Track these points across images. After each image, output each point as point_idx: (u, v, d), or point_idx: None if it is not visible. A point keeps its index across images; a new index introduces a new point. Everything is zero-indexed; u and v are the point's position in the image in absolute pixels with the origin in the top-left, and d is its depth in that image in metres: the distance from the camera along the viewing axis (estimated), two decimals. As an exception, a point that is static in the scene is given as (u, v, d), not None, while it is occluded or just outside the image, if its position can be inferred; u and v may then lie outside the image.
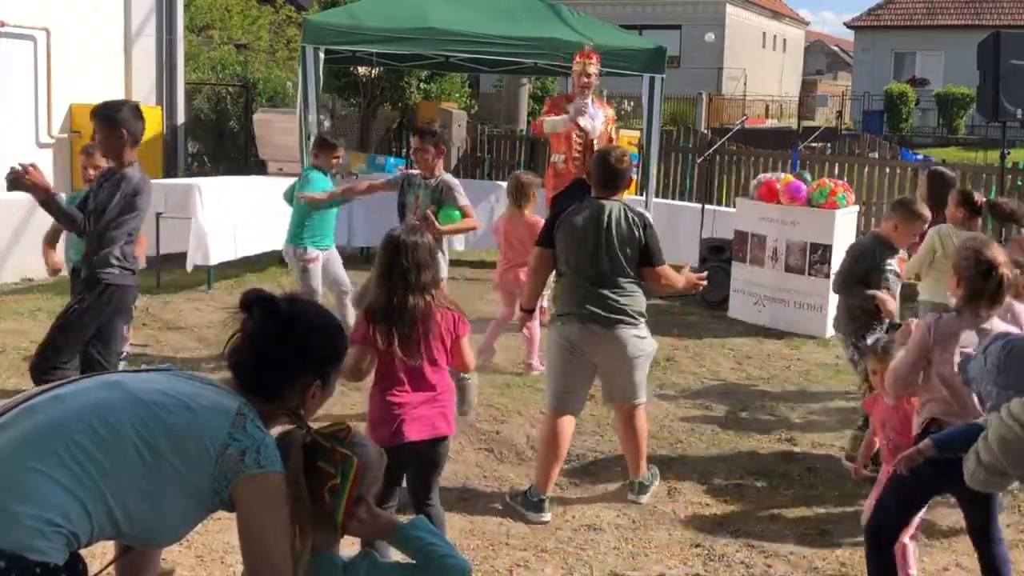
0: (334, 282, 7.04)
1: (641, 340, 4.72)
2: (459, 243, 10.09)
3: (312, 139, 8.98)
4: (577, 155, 7.86)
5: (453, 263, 8.39)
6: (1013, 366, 2.73)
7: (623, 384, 4.78)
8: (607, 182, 4.80)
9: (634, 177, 11.49)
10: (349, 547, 2.69)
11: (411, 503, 3.96)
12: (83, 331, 4.91)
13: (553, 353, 4.82)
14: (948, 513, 4.92)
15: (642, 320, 4.74)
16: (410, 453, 3.76)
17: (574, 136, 7.89)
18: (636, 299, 4.71)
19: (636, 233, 4.66)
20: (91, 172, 5.88)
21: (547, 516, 4.69)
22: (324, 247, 6.96)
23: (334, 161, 7.08)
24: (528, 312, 5.32)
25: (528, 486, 4.81)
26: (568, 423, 4.80)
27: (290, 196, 7.11)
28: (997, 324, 3.70)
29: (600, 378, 4.89)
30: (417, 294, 3.71)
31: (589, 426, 5.96)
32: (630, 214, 4.70)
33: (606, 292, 4.64)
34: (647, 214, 4.90)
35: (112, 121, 4.80)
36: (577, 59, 7.98)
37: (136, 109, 4.96)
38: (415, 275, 3.71)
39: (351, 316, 6.58)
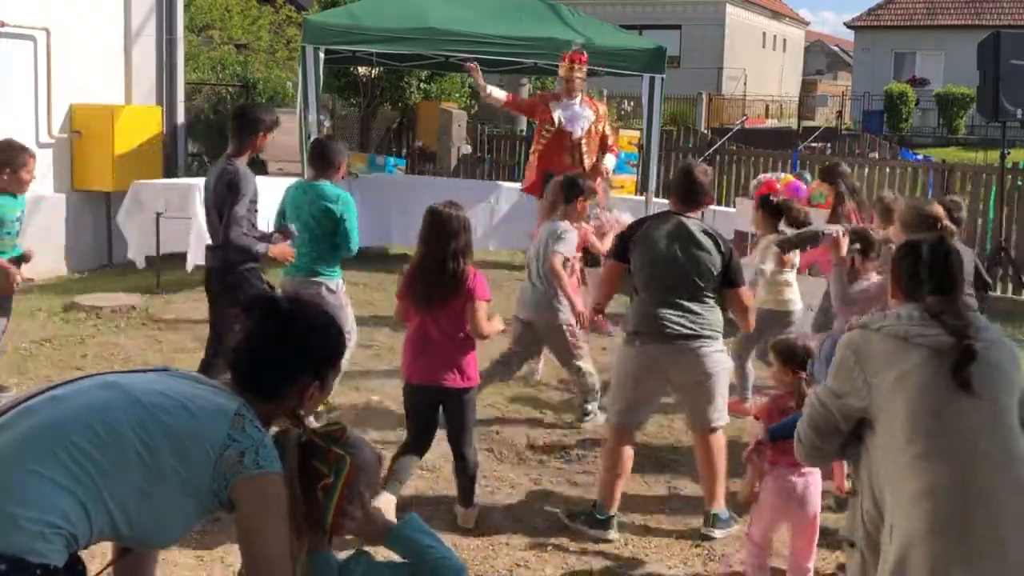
0: None
1: (721, 355, 4.60)
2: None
3: (311, 139, 8.99)
4: (541, 146, 8.01)
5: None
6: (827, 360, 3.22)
7: (705, 405, 4.58)
8: (689, 197, 4.63)
9: (635, 176, 11.50)
10: (349, 547, 2.69)
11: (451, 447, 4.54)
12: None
13: (628, 368, 4.62)
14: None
15: (720, 337, 4.61)
16: (423, 396, 4.45)
17: (543, 131, 8.04)
18: (716, 315, 4.58)
19: (721, 250, 4.52)
20: None
21: (614, 534, 4.55)
22: None
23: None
24: (598, 312, 5.41)
25: (593, 504, 4.67)
26: (631, 439, 4.71)
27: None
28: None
29: (680, 399, 4.82)
30: (450, 258, 4.29)
31: (589, 426, 5.96)
32: (711, 231, 4.57)
33: (690, 308, 4.49)
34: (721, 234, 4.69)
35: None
36: (564, 63, 8.03)
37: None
38: (449, 241, 4.30)
39: None
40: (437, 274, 4.31)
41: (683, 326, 4.47)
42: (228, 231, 5.11)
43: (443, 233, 4.32)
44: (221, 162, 5.41)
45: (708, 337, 4.52)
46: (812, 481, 3.98)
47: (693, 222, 4.57)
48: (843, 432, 2.86)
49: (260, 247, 5.25)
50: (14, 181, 5.66)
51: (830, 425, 2.87)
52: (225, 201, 5.14)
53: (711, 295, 4.57)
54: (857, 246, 5.00)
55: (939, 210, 4.72)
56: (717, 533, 4.58)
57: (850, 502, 3.02)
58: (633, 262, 4.59)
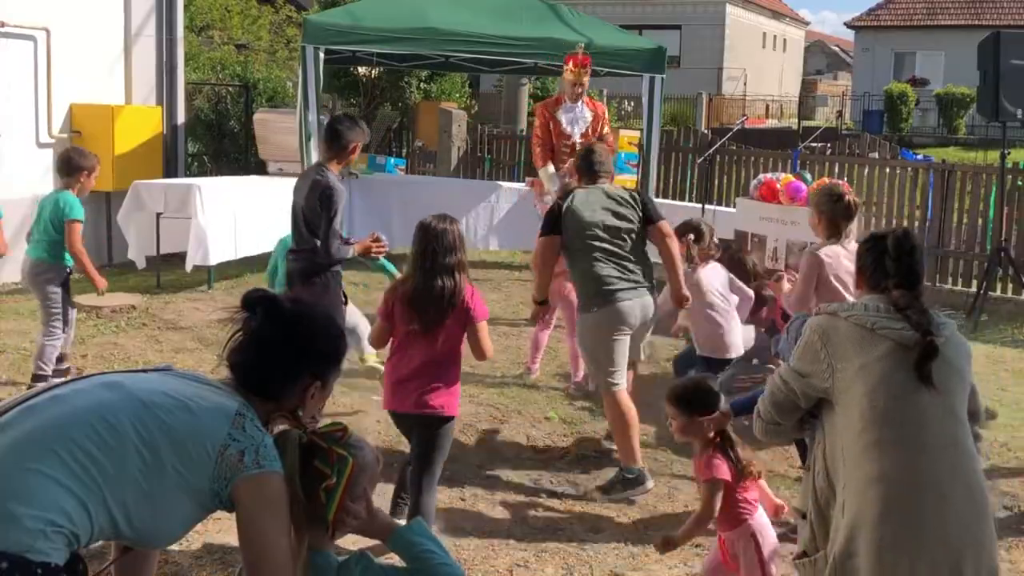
0: None
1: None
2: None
3: (312, 139, 8.98)
4: (563, 162, 7.95)
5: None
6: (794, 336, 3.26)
7: (635, 346, 5.17)
8: (591, 170, 5.28)
9: (635, 176, 11.50)
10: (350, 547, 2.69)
11: (409, 477, 4.21)
12: None
13: (602, 335, 4.99)
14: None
15: (653, 286, 5.18)
16: (401, 423, 4.21)
17: (560, 145, 7.96)
18: (648, 265, 5.14)
19: (635, 201, 5.12)
20: None
21: (651, 483, 4.95)
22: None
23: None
24: (541, 304, 5.42)
25: (618, 471, 5.01)
26: (627, 394, 5.08)
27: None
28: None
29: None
30: (446, 276, 4.03)
31: (588, 426, 5.96)
32: (623, 190, 5.26)
33: (625, 262, 5.00)
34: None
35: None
36: (571, 67, 7.97)
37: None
38: (444, 258, 4.03)
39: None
40: (431, 294, 4.02)
41: (625, 280, 4.98)
42: (329, 245, 5.21)
43: (437, 249, 4.04)
44: (313, 171, 5.40)
45: (646, 287, 5.08)
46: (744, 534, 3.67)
47: (608, 186, 5.25)
48: (802, 409, 2.97)
49: (350, 251, 5.34)
50: (86, 186, 6.14)
51: (790, 402, 2.97)
52: (318, 214, 5.19)
53: (643, 244, 5.14)
54: (691, 236, 5.63)
55: (845, 187, 5.06)
56: (604, 498, 4.94)
57: (804, 476, 3.09)
58: (566, 232, 5.04)
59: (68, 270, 6.16)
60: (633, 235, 5.08)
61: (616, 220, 5.06)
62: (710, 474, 3.57)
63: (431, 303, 4.02)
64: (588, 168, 5.32)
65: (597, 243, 4.99)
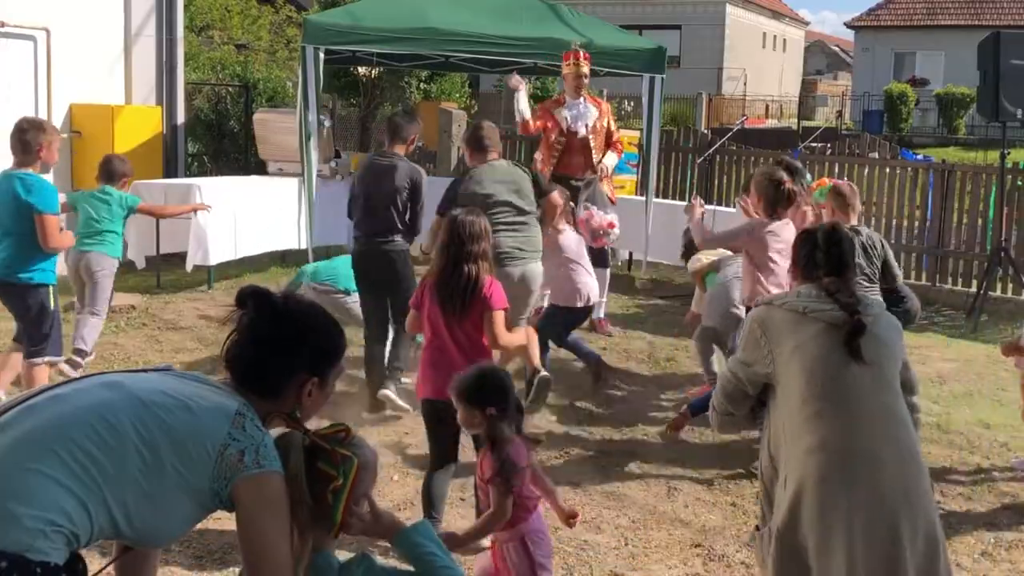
0: None
1: (539, 268, 5.91)
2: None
3: (312, 139, 8.98)
4: (555, 156, 7.91)
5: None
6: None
7: (521, 309, 5.70)
8: (479, 146, 5.85)
9: (635, 176, 11.48)
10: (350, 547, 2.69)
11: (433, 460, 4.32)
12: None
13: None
14: (949, 513, 4.92)
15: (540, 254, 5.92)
16: (430, 410, 4.23)
17: (553, 138, 7.92)
18: (537, 233, 5.92)
19: (525, 170, 6.02)
20: None
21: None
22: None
23: None
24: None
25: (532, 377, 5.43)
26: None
27: None
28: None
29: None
30: (470, 264, 4.19)
31: (587, 426, 5.96)
32: (508, 163, 6.01)
33: (518, 231, 5.75)
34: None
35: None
36: (570, 61, 7.96)
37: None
38: (470, 248, 4.21)
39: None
40: (456, 282, 4.18)
41: (516, 248, 5.67)
42: (418, 224, 5.99)
43: (463, 240, 4.20)
44: (387, 158, 6.04)
45: (534, 252, 5.77)
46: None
47: (498, 162, 5.89)
48: (751, 397, 3.23)
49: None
50: (124, 190, 6.97)
51: (739, 392, 3.23)
52: (412, 196, 5.94)
53: (532, 216, 5.82)
54: (571, 204, 6.37)
55: (782, 174, 5.36)
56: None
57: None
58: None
59: (119, 261, 6.84)
60: (524, 206, 5.77)
61: (509, 194, 5.72)
62: (490, 473, 3.34)
63: (456, 291, 4.17)
64: (478, 145, 5.85)
65: (491, 215, 5.13)
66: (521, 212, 5.77)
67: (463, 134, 6.20)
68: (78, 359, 6.30)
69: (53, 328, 5.46)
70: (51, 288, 5.44)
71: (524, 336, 4.96)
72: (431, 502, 4.23)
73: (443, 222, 4.45)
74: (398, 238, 6.00)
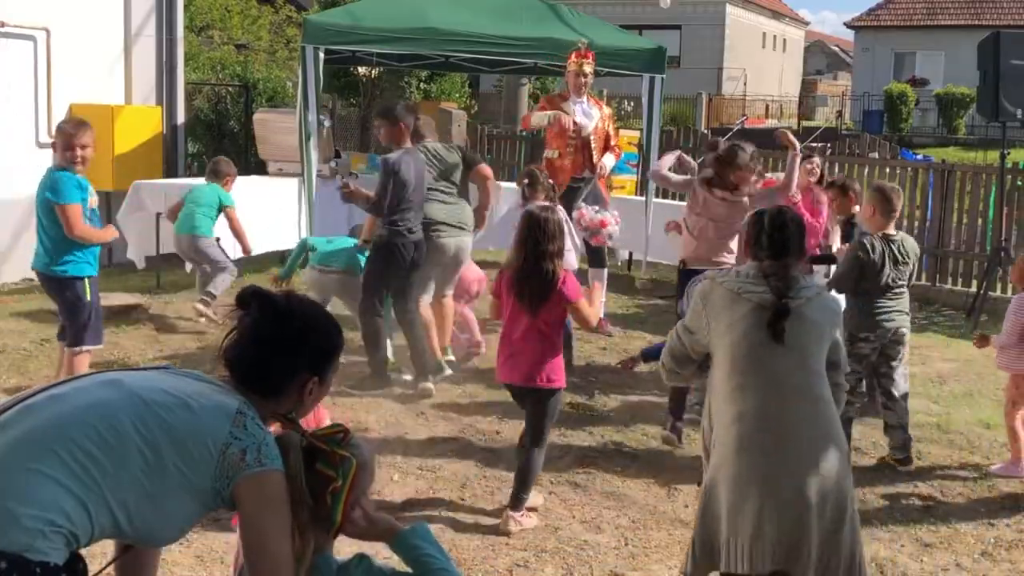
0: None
1: (466, 241, 6.77)
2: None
3: (312, 139, 8.98)
4: (570, 151, 7.83)
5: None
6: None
7: (444, 283, 6.73)
8: (417, 132, 6.62)
9: (635, 176, 11.48)
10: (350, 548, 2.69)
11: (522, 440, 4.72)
12: (377, 282, 6.41)
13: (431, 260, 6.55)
14: (949, 513, 4.92)
15: (469, 229, 6.76)
16: (515, 394, 4.71)
17: (568, 133, 7.87)
18: (466, 209, 6.75)
19: (460, 151, 6.81)
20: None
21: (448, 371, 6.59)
22: None
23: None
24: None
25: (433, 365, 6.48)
26: (428, 309, 6.62)
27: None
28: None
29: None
30: (547, 259, 4.48)
31: (587, 426, 5.96)
32: (452, 144, 6.88)
33: (444, 207, 6.60)
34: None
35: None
36: (573, 59, 7.95)
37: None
38: (546, 243, 4.48)
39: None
40: (534, 275, 4.48)
41: (444, 223, 6.51)
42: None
43: (540, 236, 4.48)
44: (411, 148, 6.44)
45: (458, 227, 6.60)
46: None
47: (438, 143, 6.73)
48: (694, 361, 3.49)
49: None
50: (228, 188, 8.34)
51: (684, 355, 3.51)
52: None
53: (456, 187, 6.62)
54: (526, 181, 6.45)
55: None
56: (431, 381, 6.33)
57: None
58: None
59: (218, 238, 8.23)
60: (456, 181, 6.61)
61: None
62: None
63: (532, 284, 4.49)
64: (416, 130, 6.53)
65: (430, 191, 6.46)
66: (455, 185, 6.66)
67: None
68: (207, 300, 7.74)
69: (92, 318, 5.64)
70: (87, 280, 5.60)
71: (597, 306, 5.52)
72: (524, 480, 4.56)
73: (521, 216, 4.73)
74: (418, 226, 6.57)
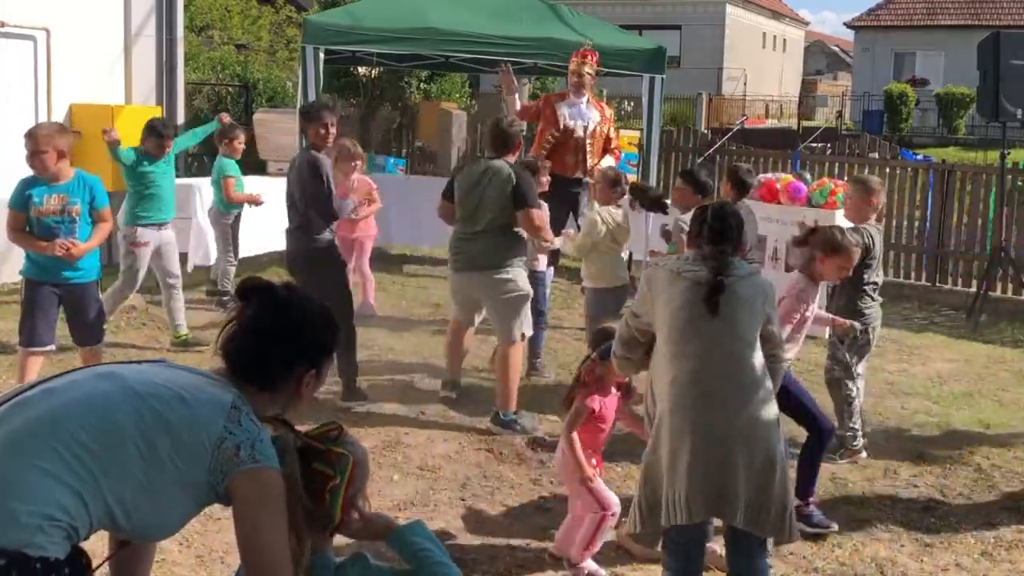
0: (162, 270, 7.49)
1: (511, 281, 5.74)
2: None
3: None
4: (545, 151, 7.86)
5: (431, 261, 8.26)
6: None
7: (500, 323, 5.83)
8: (500, 144, 5.83)
9: (635, 177, 11.47)
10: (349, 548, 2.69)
11: None
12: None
13: (451, 288, 6.16)
14: (949, 513, 4.92)
15: (515, 264, 5.77)
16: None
17: (547, 135, 7.91)
18: (509, 242, 5.74)
19: (513, 181, 5.64)
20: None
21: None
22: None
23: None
24: None
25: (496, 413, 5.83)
26: (464, 331, 6.29)
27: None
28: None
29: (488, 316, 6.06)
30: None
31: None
32: (511, 168, 5.72)
33: (480, 237, 5.73)
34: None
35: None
36: (573, 58, 7.96)
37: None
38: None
39: (178, 311, 7.30)
40: None
41: (470, 256, 5.75)
42: None
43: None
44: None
45: (493, 266, 5.69)
46: None
47: (499, 163, 5.76)
48: (642, 344, 3.74)
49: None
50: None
51: (632, 339, 3.77)
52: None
53: (506, 223, 5.68)
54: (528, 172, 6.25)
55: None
56: (496, 429, 5.76)
57: None
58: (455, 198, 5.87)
59: (236, 215, 8.74)
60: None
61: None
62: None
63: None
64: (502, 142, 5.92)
65: None
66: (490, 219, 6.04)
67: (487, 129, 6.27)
68: (223, 300, 8.12)
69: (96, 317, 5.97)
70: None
71: None
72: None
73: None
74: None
